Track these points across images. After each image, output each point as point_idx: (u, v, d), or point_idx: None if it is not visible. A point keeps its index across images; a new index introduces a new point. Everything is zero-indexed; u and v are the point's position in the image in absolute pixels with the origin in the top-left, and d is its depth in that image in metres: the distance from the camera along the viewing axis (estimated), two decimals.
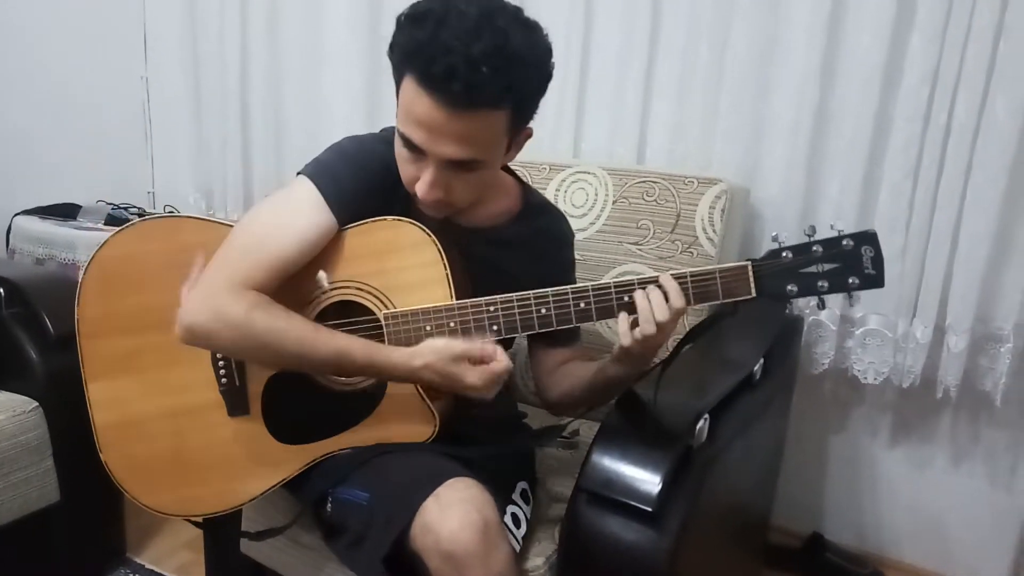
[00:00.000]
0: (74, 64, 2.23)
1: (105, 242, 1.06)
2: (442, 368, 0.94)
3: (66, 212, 2.14)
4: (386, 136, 1.06)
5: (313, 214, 0.99)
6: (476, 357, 0.95)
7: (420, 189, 0.95)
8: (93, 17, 2.25)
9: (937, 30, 1.38)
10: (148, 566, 1.64)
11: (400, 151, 0.97)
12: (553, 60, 0.94)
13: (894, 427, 1.69)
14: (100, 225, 2.08)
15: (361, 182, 1.01)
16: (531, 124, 1.01)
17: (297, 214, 0.99)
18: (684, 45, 1.61)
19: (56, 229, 2.03)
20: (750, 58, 1.55)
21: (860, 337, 1.56)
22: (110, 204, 2.20)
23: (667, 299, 0.94)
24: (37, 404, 1.41)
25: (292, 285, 1.01)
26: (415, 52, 0.88)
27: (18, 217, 2.09)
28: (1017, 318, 1.44)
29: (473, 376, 0.94)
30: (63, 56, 2.20)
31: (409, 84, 0.90)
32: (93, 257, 1.06)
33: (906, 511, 1.71)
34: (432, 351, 0.95)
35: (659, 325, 0.94)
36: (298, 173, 1.02)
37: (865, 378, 1.57)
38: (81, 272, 1.07)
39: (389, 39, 0.93)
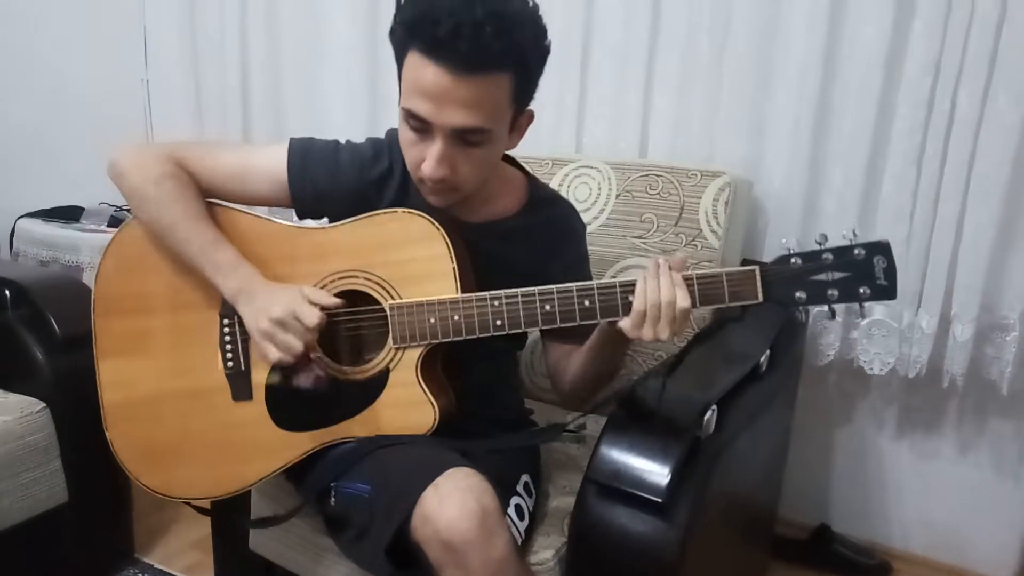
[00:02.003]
0: (76, 68, 2.23)
1: (126, 223, 1.10)
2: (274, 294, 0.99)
3: (69, 215, 2.15)
4: (381, 142, 1.10)
5: (269, 183, 1.07)
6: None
7: (428, 167, 0.96)
8: (93, 20, 2.26)
9: (939, 19, 1.37)
10: (156, 566, 1.64)
11: (405, 135, 0.98)
12: (549, 40, 0.97)
13: (900, 418, 1.69)
14: (103, 227, 2.09)
15: (327, 187, 1.07)
16: (532, 110, 1.02)
17: (260, 170, 1.07)
18: (685, 37, 1.61)
19: (60, 231, 2.03)
20: (751, 50, 1.55)
21: (865, 328, 1.56)
22: (113, 206, 2.20)
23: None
24: (44, 405, 1.41)
25: (298, 269, 1.03)
26: (419, 20, 0.90)
27: (22, 220, 2.10)
28: (1023, 307, 1.44)
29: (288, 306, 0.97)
30: (65, 60, 2.20)
31: (413, 58, 0.92)
32: (114, 237, 1.10)
33: (913, 501, 1.71)
34: (279, 289, 1.00)
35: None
36: (291, 139, 1.08)
37: (871, 369, 1.57)
38: (102, 251, 1.11)
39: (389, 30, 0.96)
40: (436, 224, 1.00)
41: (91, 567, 1.57)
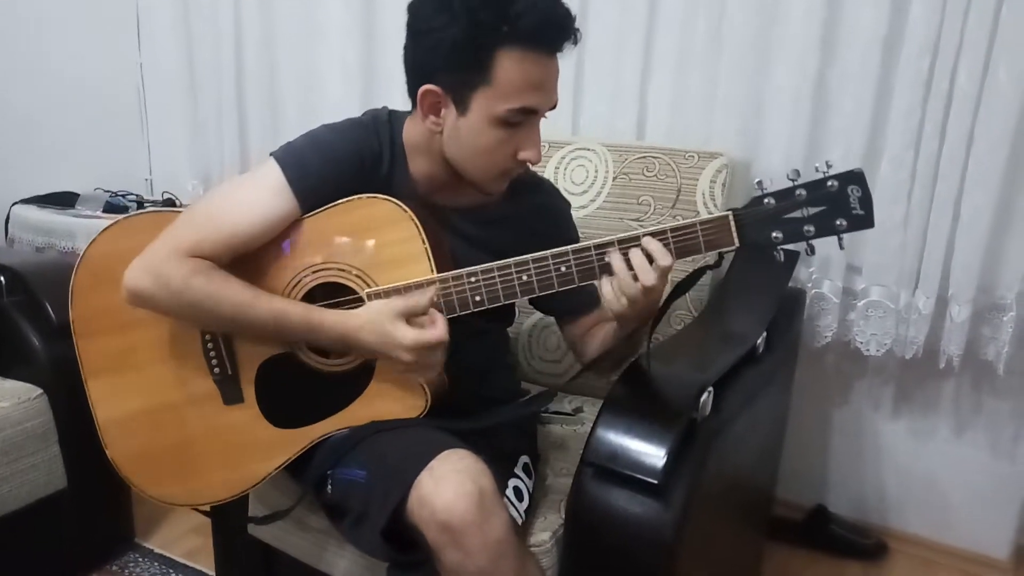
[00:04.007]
0: (70, 51, 2.21)
1: (92, 241, 1.07)
2: (378, 328, 0.94)
3: (64, 200, 2.14)
4: (364, 121, 1.06)
5: (273, 197, 0.99)
6: (417, 312, 0.95)
7: (534, 153, 0.98)
8: (87, 3, 2.23)
9: None
10: (157, 551, 1.65)
11: (495, 135, 0.96)
12: None
13: (896, 398, 1.69)
14: (98, 213, 2.08)
15: (329, 171, 1.01)
16: None
17: (257, 194, 1.00)
18: (682, 17, 1.59)
19: (55, 217, 2.03)
20: (749, 29, 1.54)
21: (862, 309, 1.56)
22: (108, 191, 2.19)
23: (651, 260, 0.92)
24: (41, 391, 1.41)
25: (271, 270, 1.02)
26: (512, 18, 0.90)
27: (16, 206, 2.09)
28: (1020, 287, 1.44)
29: (407, 336, 0.93)
30: (59, 44, 2.18)
31: (510, 56, 0.92)
32: (82, 257, 1.07)
33: (909, 482, 1.72)
34: (371, 309, 0.96)
35: (644, 288, 0.92)
36: (271, 154, 1.02)
37: (868, 350, 1.57)
38: (72, 273, 1.07)
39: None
40: (402, 206, 0.99)
41: (91, 552, 1.58)
